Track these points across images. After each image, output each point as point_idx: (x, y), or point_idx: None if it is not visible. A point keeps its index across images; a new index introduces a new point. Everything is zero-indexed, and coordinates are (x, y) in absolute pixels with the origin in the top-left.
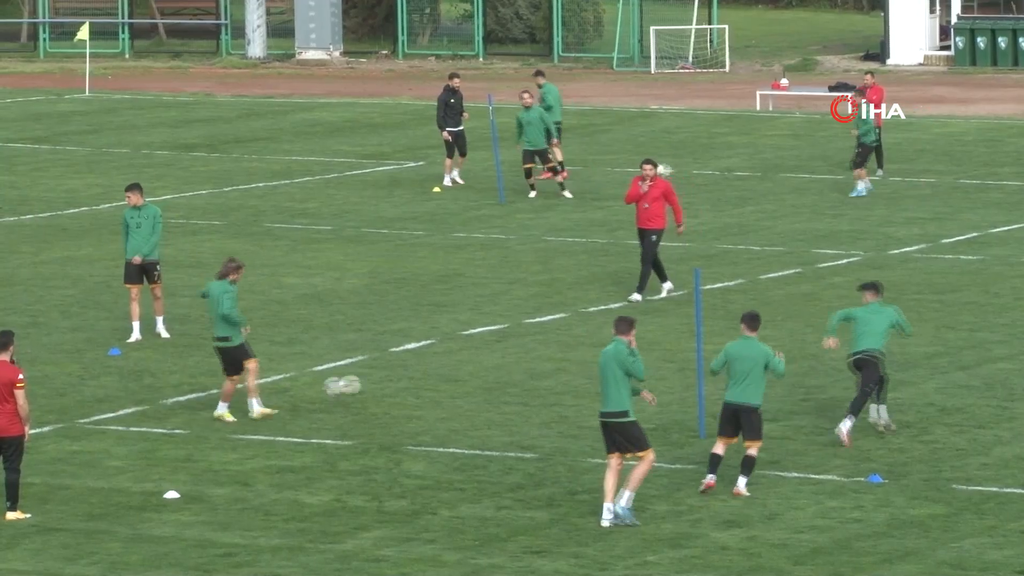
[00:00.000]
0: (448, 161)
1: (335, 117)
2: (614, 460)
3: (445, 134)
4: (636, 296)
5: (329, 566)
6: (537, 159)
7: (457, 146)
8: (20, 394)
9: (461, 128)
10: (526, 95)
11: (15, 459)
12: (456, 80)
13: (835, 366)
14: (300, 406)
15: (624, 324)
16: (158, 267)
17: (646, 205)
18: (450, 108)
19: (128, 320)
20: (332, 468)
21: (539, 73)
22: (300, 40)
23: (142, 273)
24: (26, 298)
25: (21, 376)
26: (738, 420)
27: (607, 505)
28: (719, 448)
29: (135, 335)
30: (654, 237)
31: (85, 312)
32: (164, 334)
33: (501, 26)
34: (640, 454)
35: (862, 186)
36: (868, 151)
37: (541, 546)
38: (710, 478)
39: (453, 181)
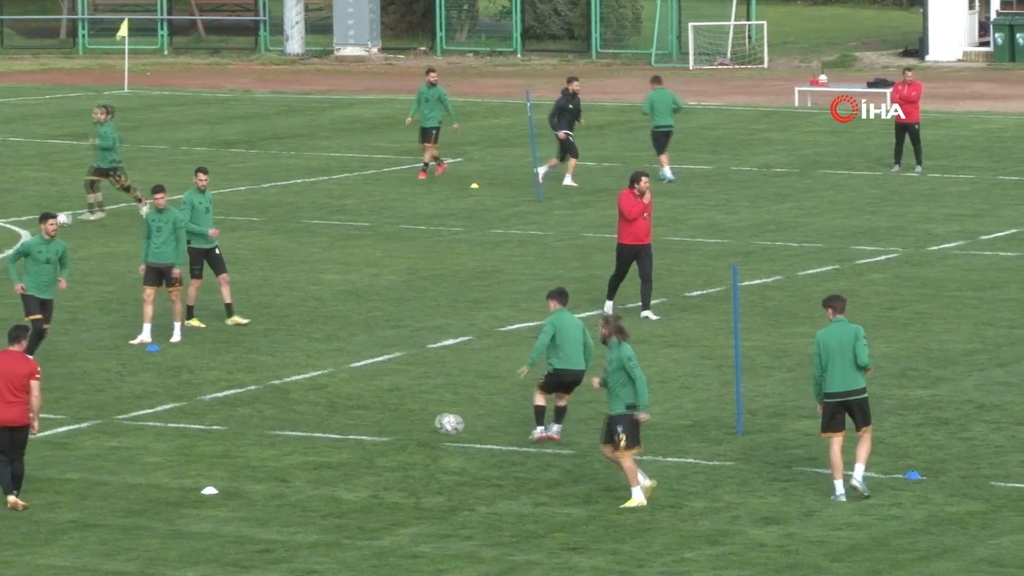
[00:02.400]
0: (554, 160)
1: (373, 113)
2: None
3: (562, 134)
4: (648, 312)
5: (366, 562)
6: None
7: (570, 150)
8: (35, 385)
9: (571, 134)
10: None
11: (21, 450)
12: (575, 84)
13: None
14: (338, 402)
15: (840, 303)
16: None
17: (645, 215)
18: (566, 112)
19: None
20: (370, 464)
21: (656, 79)
22: (338, 37)
23: (160, 276)
24: (65, 294)
25: (39, 368)
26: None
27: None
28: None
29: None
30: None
31: (124, 308)
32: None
33: (539, 22)
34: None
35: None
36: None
37: (578, 542)
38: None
39: (543, 178)
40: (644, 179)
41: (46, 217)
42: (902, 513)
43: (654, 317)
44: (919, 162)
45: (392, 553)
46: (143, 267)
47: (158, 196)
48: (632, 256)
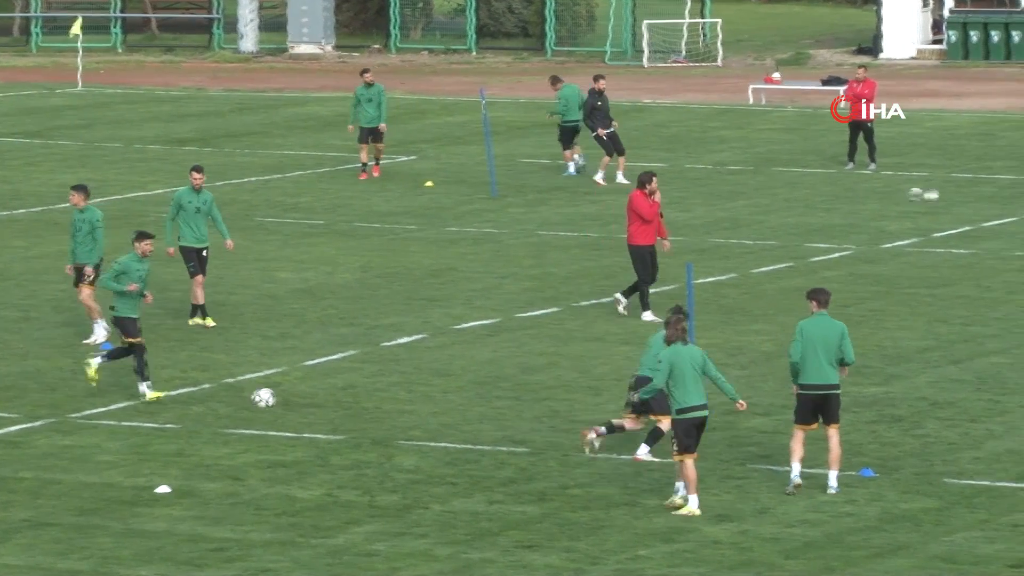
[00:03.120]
0: (606, 159)
1: (327, 111)
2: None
3: (600, 131)
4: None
5: (320, 560)
6: None
7: (615, 146)
8: None
9: (612, 129)
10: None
11: None
12: (602, 82)
13: None
14: (292, 400)
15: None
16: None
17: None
18: (597, 111)
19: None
20: (324, 463)
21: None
22: (292, 34)
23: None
24: (18, 293)
25: None
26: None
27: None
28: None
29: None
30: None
31: (77, 307)
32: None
33: (494, 20)
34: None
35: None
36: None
37: (533, 540)
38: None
39: (606, 180)
40: (655, 179)
41: (143, 236)
42: (856, 510)
43: (655, 319)
44: (872, 160)
45: (346, 551)
46: (69, 267)
47: (75, 195)
48: (650, 256)
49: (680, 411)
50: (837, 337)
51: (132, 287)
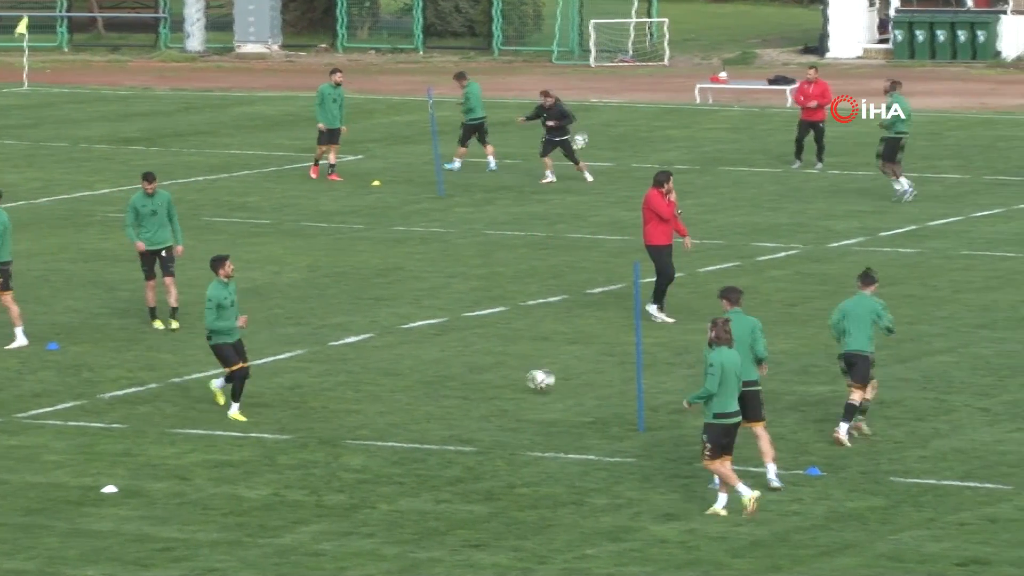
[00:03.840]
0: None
1: (274, 111)
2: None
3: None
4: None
5: (267, 560)
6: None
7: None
8: None
9: (565, 138)
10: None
11: None
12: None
13: (773, 359)
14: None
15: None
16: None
17: (678, 211)
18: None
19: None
20: (271, 462)
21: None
22: (239, 34)
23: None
24: None
25: None
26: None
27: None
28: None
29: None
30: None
31: (23, 307)
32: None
33: (440, 20)
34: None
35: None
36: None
37: (480, 539)
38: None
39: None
40: (671, 179)
41: (220, 260)
42: (803, 509)
43: (663, 317)
44: (820, 159)
45: (293, 551)
46: (140, 244)
47: (145, 183)
48: (667, 255)
49: (717, 416)
50: (749, 333)
51: (242, 321)
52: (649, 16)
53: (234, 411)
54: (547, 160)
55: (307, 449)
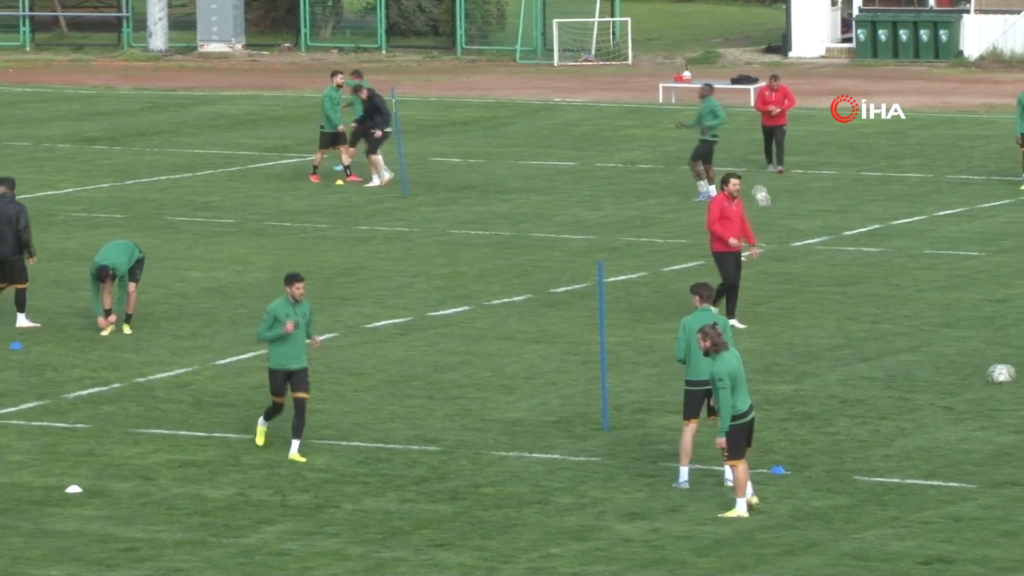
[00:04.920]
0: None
1: (237, 110)
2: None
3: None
4: (734, 321)
5: (232, 560)
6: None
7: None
8: None
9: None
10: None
11: None
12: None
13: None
14: (203, 400)
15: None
16: None
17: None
18: (378, 113)
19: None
20: (235, 462)
21: (356, 73)
22: (202, 33)
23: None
24: None
25: None
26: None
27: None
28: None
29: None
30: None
31: None
32: None
33: (404, 19)
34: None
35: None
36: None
37: (445, 539)
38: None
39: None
40: (734, 181)
41: (293, 279)
42: (767, 508)
43: (741, 325)
44: (780, 161)
45: (258, 551)
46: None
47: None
48: (734, 262)
49: (733, 418)
50: None
51: (289, 326)
52: (612, 15)
53: (293, 451)
54: (375, 159)
55: (271, 449)
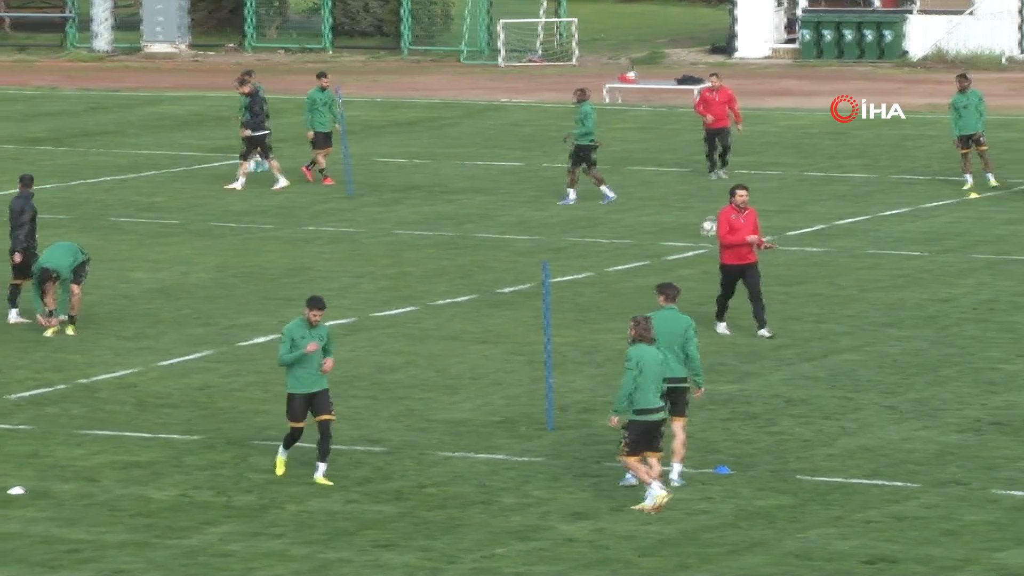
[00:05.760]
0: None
1: (182, 110)
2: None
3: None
4: (764, 331)
5: (176, 561)
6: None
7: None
8: None
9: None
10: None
11: None
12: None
13: None
14: (147, 401)
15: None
16: None
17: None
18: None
19: None
20: (179, 463)
21: (248, 73)
22: (147, 33)
23: None
24: None
25: None
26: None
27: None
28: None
29: None
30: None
31: None
32: None
33: (349, 19)
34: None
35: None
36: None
37: (389, 540)
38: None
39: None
40: (740, 192)
41: (312, 303)
42: (711, 507)
43: (769, 335)
44: (723, 165)
45: (202, 552)
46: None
47: None
48: (740, 275)
49: (639, 412)
50: (682, 331)
51: (311, 347)
52: (558, 16)
53: (319, 475)
54: (245, 165)
55: (216, 450)
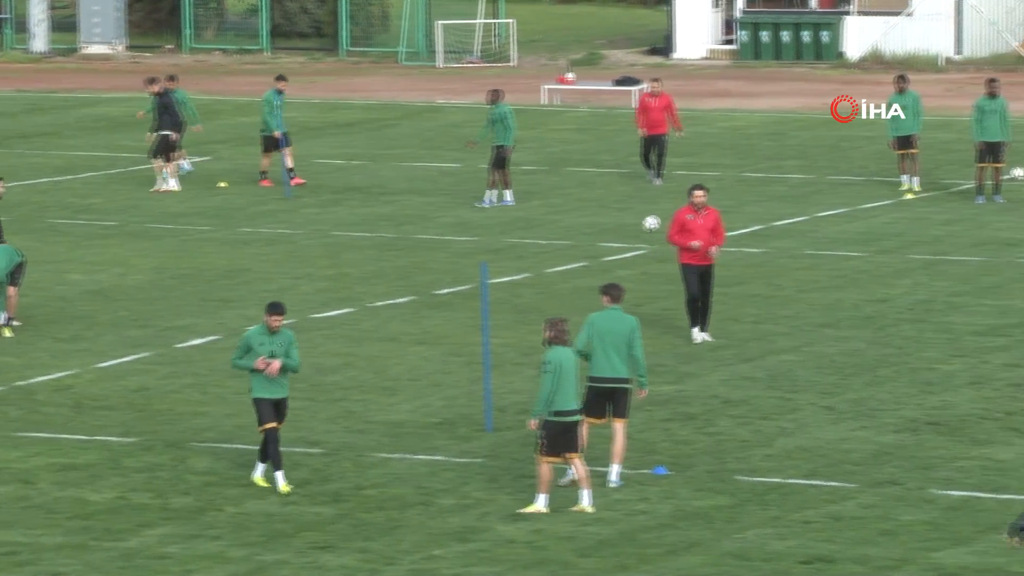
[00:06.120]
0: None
1: (119, 112)
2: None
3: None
4: (704, 335)
5: (113, 564)
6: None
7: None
8: None
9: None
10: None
11: None
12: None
13: None
14: (84, 403)
15: (616, 291)
16: None
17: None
18: (167, 112)
19: None
20: (116, 465)
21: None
22: (84, 34)
23: None
24: None
25: None
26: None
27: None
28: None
29: None
30: (713, 271)
31: None
32: None
33: (287, 20)
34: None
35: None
36: None
37: (327, 541)
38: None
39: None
40: (697, 192)
41: (271, 309)
42: (649, 508)
43: (704, 338)
44: (658, 174)
45: (139, 554)
46: None
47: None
48: (699, 276)
49: (556, 413)
50: (627, 332)
51: (266, 369)
52: (496, 17)
53: (281, 483)
54: (158, 163)
55: (153, 452)
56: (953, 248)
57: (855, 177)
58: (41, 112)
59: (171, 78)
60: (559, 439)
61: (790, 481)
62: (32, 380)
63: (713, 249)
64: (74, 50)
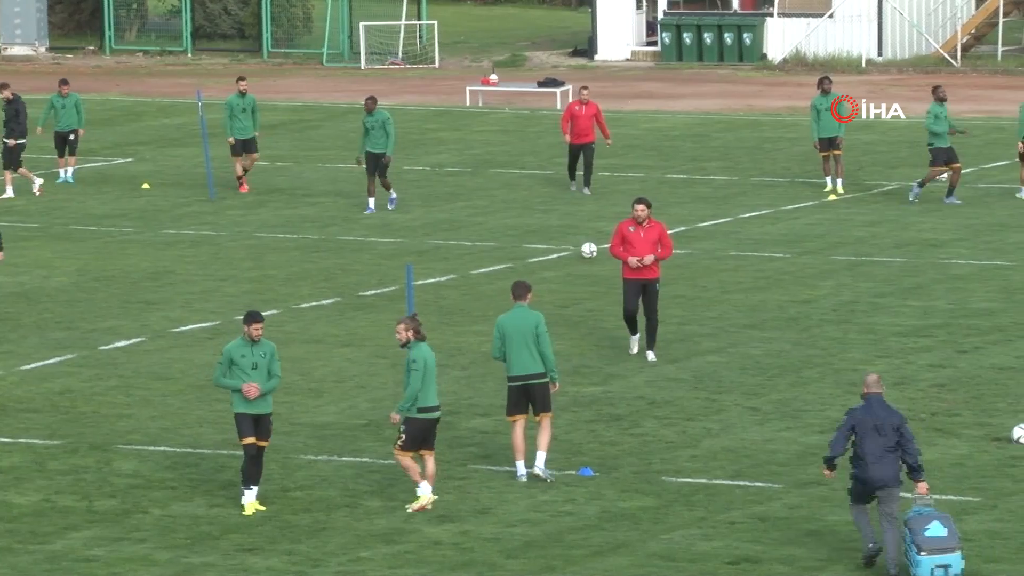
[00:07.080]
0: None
1: (41, 114)
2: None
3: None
4: (651, 354)
5: (38, 567)
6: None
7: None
8: None
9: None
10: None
11: None
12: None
13: None
14: (8, 405)
15: (520, 289)
16: None
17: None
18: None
19: None
20: (41, 468)
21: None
22: (5, 35)
23: None
24: None
25: None
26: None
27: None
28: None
29: None
30: (658, 286)
31: None
32: None
33: (210, 22)
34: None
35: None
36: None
37: (254, 543)
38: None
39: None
40: (639, 207)
41: (250, 318)
42: (576, 509)
43: (651, 358)
44: (587, 184)
45: (64, 557)
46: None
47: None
48: (640, 291)
49: (421, 410)
50: (532, 327)
51: (250, 394)
52: (419, 18)
53: (249, 500)
54: (8, 174)
55: (78, 454)
56: (876, 249)
57: (779, 178)
58: None
59: (4, 85)
60: (419, 435)
61: (716, 482)
62: None
63: (648, 257)
64: None
